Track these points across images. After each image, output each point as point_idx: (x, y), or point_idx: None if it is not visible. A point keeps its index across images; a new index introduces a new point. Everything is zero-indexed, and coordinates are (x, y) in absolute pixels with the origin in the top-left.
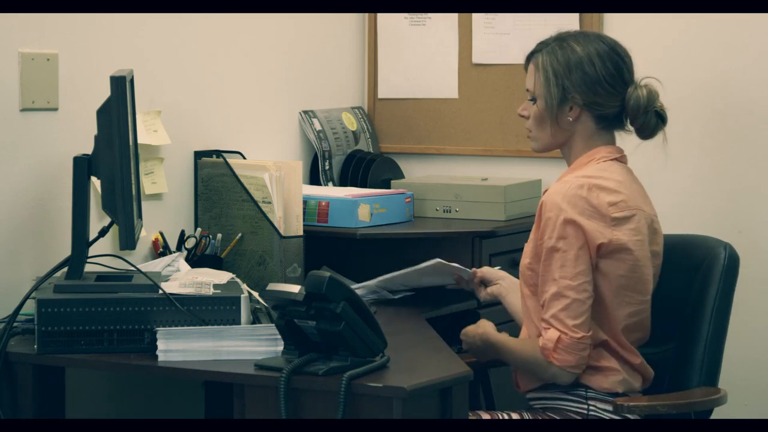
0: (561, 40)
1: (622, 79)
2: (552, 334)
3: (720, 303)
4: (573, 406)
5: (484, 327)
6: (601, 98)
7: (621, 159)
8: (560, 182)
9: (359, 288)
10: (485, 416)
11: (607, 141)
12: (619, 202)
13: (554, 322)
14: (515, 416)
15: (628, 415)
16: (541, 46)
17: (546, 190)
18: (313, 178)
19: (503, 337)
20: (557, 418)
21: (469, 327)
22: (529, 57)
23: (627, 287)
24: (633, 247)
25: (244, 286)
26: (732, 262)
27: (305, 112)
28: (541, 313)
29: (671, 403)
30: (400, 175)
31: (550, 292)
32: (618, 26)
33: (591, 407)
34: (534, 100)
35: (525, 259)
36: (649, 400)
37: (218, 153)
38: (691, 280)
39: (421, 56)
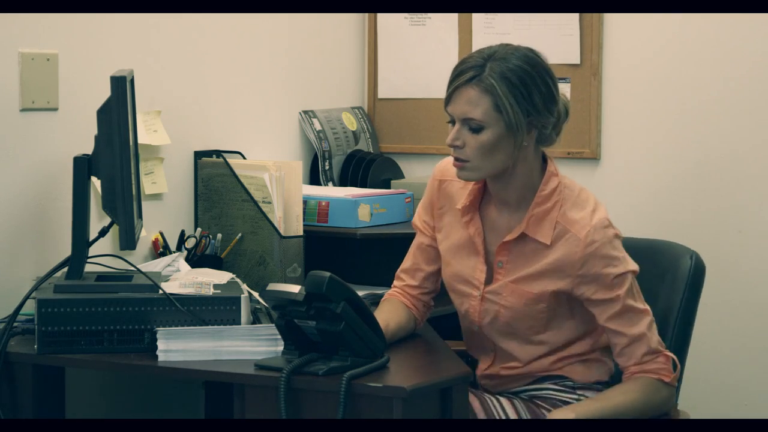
0: (495, 58)
1: (557, 91)
2: (666, 359)
3: (683, 315)
4: (562, 396)
5: (566, 413)
6: (550, 115)
7: None
8: (581, 230)
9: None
10: (472, 398)
11: (541, 159)
12: None
13: (661, 347)
14: (504, 401)
15: None
16: (478, 70)
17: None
18: (313, 178)
19: (599, 405)
20: (547, 406)
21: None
22: (468, 81)
23: None
24: None
25: (244, 286)
26: (697, 272)
27: (305, 112)
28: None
29: None
30: (400, 175)
31: (645, 322)
32: (618, 26)
33: (580, 396)
34: (478, 129)
35: (539, 305)
36: None
37: (218, 153)
38: (658, 288)
39: (421, 56)
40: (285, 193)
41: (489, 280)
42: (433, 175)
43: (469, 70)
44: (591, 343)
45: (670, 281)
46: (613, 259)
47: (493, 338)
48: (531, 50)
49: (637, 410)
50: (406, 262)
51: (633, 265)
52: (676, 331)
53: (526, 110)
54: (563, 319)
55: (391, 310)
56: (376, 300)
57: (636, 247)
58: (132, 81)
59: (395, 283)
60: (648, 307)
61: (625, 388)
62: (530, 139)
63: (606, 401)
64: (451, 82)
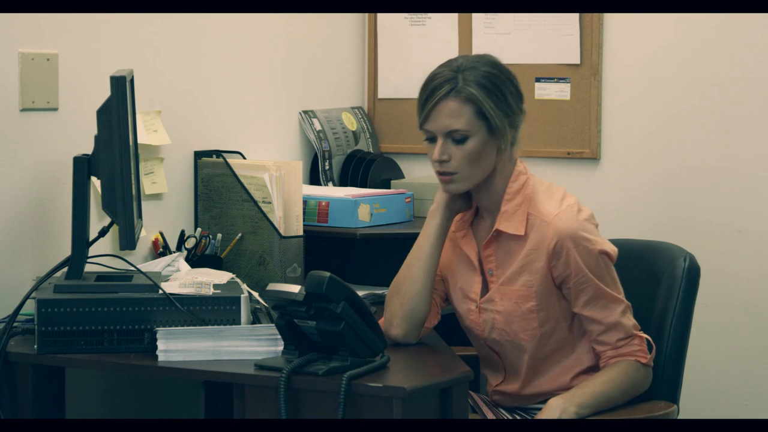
0: (463, 68)
1: (520, 88)
2: (641, 341)
3: (679, 316)
4: None
5: (559, 407)
6: (521, 113)
7: None
8: (549, 215)
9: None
10: (478, 399)
11: (514, 162)
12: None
13: (635, 331)
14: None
15: None
16: (453, 82)
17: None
18: (313, 178)
19: (589, 399)
20: None
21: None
22: (446, 94)
23: None
24: None
25: (244, 286)
26: (692, 273)
27: (305, 112)
28: (596, 337)
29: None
30: (400, 175)
31: (619, 310)
32: (618, 26)
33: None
34: (463, 139)
35: (527, 303)
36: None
37: (218, 153)
38: (654, 290)
39: (421, 56)
40: (285, 193)
41: (485, 291)
42: None
43: (444, 84)
44: (591, 357)
45: (666, 284)
46: (583, 239)
47: (498, 350)
48: (491, 56)
49: (626, 393)
50: None
51: (608, 247)
52: (673, 333)
53: (504, 112)
54: (556, 320)
55: None
56: (376, 300)
57: (631, 249)
58: (132, 81)
59: None
60: (622, 295)
61: (611, 374)
62: (509, 141)
63: (596, 387)
64: (426, 100)
